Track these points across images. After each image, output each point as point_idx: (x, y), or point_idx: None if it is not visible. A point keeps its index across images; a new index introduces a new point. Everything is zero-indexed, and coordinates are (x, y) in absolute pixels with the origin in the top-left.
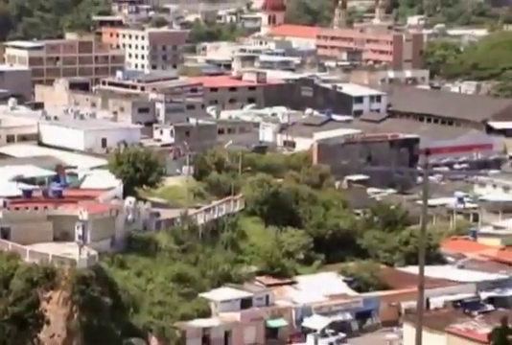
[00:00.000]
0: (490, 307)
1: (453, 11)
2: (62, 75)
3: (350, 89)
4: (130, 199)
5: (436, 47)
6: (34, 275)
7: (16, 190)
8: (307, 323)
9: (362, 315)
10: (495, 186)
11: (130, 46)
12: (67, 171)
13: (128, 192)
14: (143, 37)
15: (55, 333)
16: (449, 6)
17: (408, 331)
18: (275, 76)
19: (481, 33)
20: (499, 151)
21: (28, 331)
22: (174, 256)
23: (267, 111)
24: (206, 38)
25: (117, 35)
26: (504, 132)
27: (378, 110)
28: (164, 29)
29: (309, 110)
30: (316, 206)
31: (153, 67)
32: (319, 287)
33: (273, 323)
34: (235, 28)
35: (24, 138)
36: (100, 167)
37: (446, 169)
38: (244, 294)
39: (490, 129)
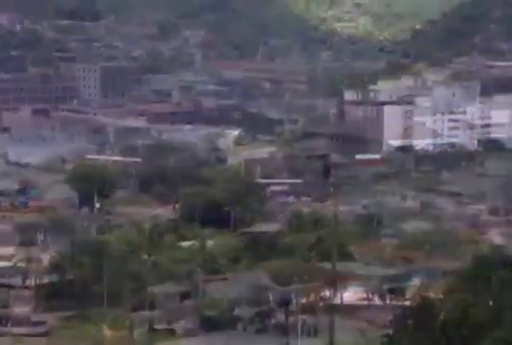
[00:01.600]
0: (392, 297)
1: (355, 48)
2: (27, 103)
3: (273, 113)
4: (86, 209)
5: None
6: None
7: None
8: (238, 312)
9: (285, 305)
10: (394, 194)
11: (85, 78)
12: (31, 184)
13: (83, 202)
14: (95, 70)
15: None
16: (354, 44)
17: (325, 318)
18: (209, 103)
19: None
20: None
21: None
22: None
23: (204, 133)
24: (150, 71)
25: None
26: (401, 149)
27: (296, 131)
28: (114, 63)
29: (238, 131)
30: (246, 212)
31: (105, 96)
32: (248, 282)
33: (209, 313)
34: (175, 62)
35: None
36: (59, 181)
37: (353, 180)
38: (183, 288)
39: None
